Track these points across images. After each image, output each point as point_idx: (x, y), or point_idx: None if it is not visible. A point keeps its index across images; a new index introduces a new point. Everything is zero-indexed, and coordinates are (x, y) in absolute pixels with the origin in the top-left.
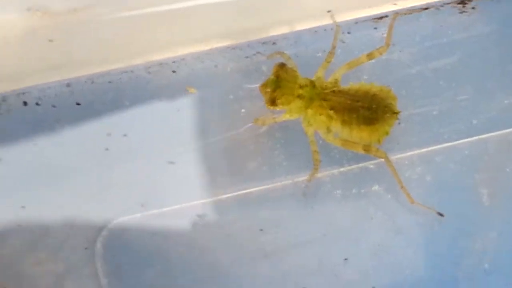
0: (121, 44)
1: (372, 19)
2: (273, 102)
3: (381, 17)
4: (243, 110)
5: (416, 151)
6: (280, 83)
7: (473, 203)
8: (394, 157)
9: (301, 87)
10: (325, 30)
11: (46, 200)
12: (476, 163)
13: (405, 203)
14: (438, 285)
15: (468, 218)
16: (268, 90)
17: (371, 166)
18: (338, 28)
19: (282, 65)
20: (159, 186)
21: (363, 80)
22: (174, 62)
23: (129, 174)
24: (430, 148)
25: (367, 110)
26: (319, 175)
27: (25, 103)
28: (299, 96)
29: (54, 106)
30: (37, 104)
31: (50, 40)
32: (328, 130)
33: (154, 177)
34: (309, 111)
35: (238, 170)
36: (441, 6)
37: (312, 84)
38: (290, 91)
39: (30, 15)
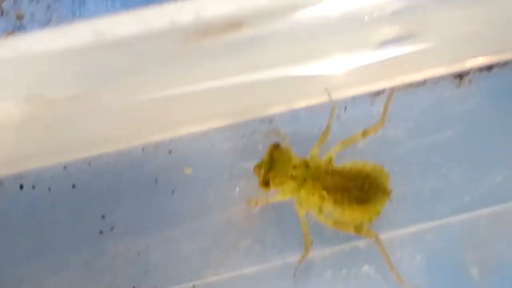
0: (119, 127)
1: (369, 95)
2: (266, 183)
3: (378, 93)
4: (237, 189)
5: (407, 230)
6: (274, 165)
7: (463, 282)
8: (385, 235)
9: (294, 167)
10: (321, 107)
11: (35, 279)
12: (467, 241)
13: (395, 284)
14: None
15: None
16: (262, 171)
17: (362, 246)
18: (334, 107)
19: (276, 146)
20: (151, 269)
21: (357, 155)
22: (170, 142)
23: (122, 256)
24: (421, 226)
25: (359, 190)
26: (310, 255)
27: (21, 187)
28: (292, 177)
29: (49, 189)
30: (33, 187)
31: (47, 126)
32: (320, 210)
33: (146, 260)
34: (302, 191)
35: (230, 250)
36: (438, 80)
37: (306, 164)
38: (284, 173)
39: (29, 104)
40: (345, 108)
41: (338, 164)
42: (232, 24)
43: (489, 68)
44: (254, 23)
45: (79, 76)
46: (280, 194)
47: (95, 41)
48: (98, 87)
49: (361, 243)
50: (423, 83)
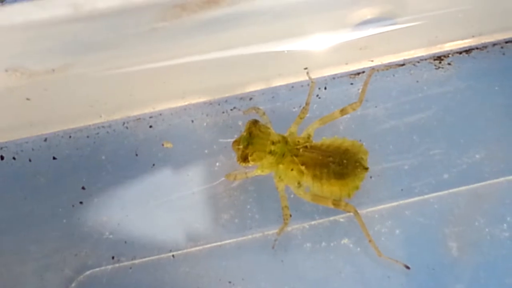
0: (98, 101)
1: (349, 75)
2: (245, 159)
3: (358, 73)
4: (217, 164)
5: (386, 205)
6: (252, 140)
7: (441, 257)
8: (364, 211)
9: (273, 143)
10: (301, 86)
11: (17, 250)
12: (446, 217)
13: (374, 256)
14: None
15: (436, 271)
16: (240, 147)
17: (341, 220)
18: (313, 85)
19: (254, 122)
20: (131, 239)
21: (338, 133)
22: (151, 117)
23: (102, 227)
24: (400, 202)
25: (338, 165)
26: (289, 228)
27: (1, 157)
28: (271, 152)
29: (30, 160)
30: (13, 158)
31: (28, 99)
32: (299, 184)
33: (126, 230)
34: (281, 166)
35: (210, 223)
36: (418, 62)
37: (284, 140)
38: (262, 148)
39: (8, 75)
40: (325, 88)
41: (317, 141)
42: (210, 0)
43: (468, 51)
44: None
45: (59, 48)
46: (258, 169)
47: (74, 14)
48: (77, 60)
49: (341, 217)
50: (402, 64)
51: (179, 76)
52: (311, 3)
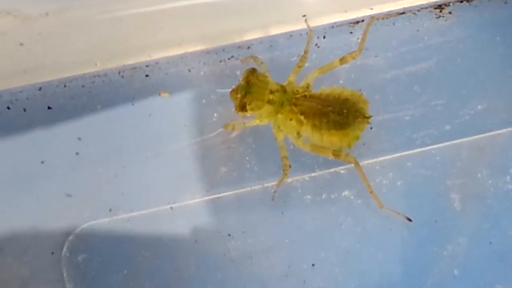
0: (93, 48)
1: (348, 23)
2: (243, 108)
3: (357, 22)
4: (215, 115)
5: (388, 156)
6: (250, 89)
7: (444, 209)
8: (365, 162)
9: (271, 92)
10: (300, 34)
11: (13, 203)
12: (448, 169)
13: (375, 208)
14: None
15: (438, 224)
16: (238, 96)
17: (342, 172)
18: (311, 33)
19: (252, 71)
20: (128, 191)
21: (338, 84)
22: (147, 66)
23: (99, 178)
24: (401, 154)
25: (338, 114)
26: (289, 180)
27: None
28: (269, 102)
29: (25, 110)
30: (8, 108)
31: (21, 44)
32: (298, 135)
33: (123, 182)
34: (279, 116)
35: (209, 175)
36: (418, 10)
37: (283, 89)
38: (260, 97)
39: (1, 18)
40: (324, 36)
41: (316, 91)
42: None
43: None
44: None
45: None
46: (257, 118)
47: None
48: (72, 3)
49: (341, 169)
50: (402, 13)
51: (176, 21)
52: None
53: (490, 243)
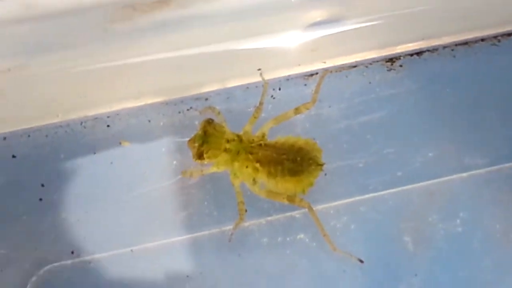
0: (55, 101)
1: (303, 76)
2: (200, 156)
3: (312, 74)
4: (174, 163)
5: (342, 201)
6: (207, 138)
7: (396, 251)
8: (320, 206)
9: (228, 141)
10: (256, 86)
11: None
12: (400, 213)
13: (329, 251)
14: None
15: (391, 266)
16: (196, 145)
17: (297, 216)
18: (266, 86)
19: (209, 121)
20: (90, 234)
21: (295, 133)
22: (108, 117)
23: (61, 222)
24: (355, 198)
25: (292, 162)
26: (246, 224)
27: None
28: (226, 150)
29: None
30: None
31: None
32: (254, 181)
33: (85, 226)
34: (236, 164)
35: (168, 219)
36: (370, 64)
37: (239, 138)
38: (217, 146)
39: None
40: (279, 88)
41: (272, 139)
42: (160, 0)
43: (419, 53)
44: (183, 1)
45: (14, 48)
46: (214, 166)
47: (26, 14)
48: (33, 60)
49: (297, 213)
50: (354, 66)
51: (134, 76)
52: (261, 5)
53: (441, 284)
